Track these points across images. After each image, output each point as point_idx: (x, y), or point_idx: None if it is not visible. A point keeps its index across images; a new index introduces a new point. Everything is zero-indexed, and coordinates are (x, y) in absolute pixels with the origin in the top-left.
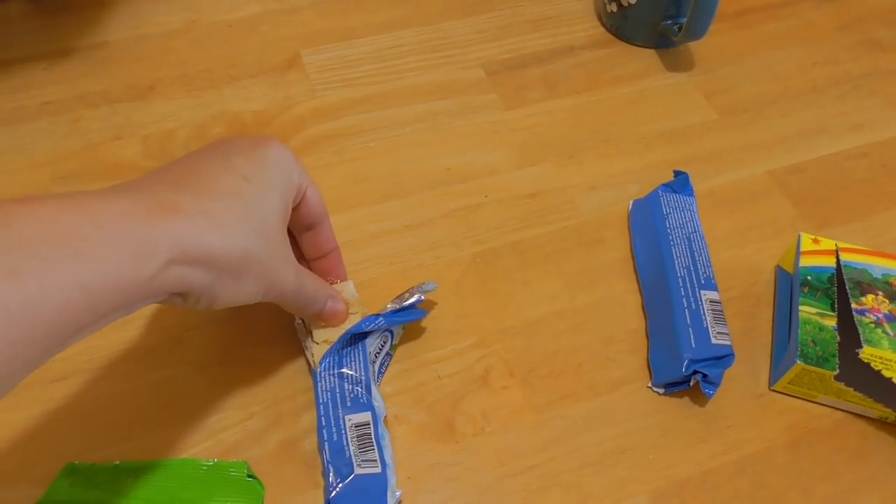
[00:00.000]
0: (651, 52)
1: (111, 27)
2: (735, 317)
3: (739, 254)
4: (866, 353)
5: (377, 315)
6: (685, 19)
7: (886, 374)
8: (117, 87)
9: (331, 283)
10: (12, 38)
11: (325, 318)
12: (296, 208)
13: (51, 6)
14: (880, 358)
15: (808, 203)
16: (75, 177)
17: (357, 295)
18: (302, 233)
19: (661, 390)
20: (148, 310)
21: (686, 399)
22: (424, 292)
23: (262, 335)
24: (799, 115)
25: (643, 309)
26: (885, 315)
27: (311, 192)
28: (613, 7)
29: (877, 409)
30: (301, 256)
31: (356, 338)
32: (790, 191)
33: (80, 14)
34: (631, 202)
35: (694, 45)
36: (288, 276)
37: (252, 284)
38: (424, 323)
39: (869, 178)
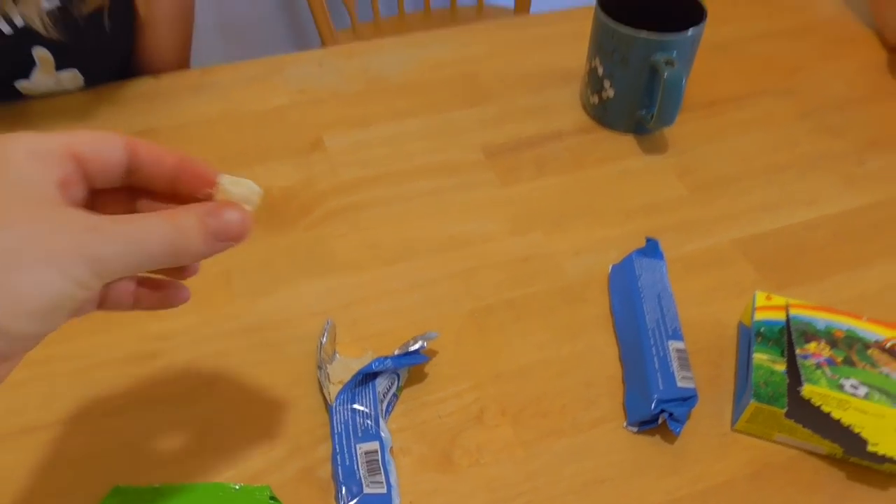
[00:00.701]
0: (630, 137)
1: (157, 116)
2: (702, 366)
3: (706, 311)
4: (807, 390)
5: (385, 357)
6: (656, 109)
7: (825, 409)
8: None
9: (207, 194)
10: (68, 127)
11: (223, 238)
12: (88, 169)
13: (104, 99)
14: (820, 395)
15: (769, 268)
16: None
17: (246, 181)
18: (132, 179)
19: (635, 429)
20: (182, 357)
21: (657, 437)
22: (427, 340)
23: (286, 380)
24: (762, 191)
25: (620, 359)
26: (825, 359)
27: (84, 146)
28: (595, 99)
29: (825, 446)
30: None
31: (367, 378)
32: (752, 257)
33: (130, 105)
34: (610, 266)
35: (668, 131)
36: (91, 237)
37: (45, 269)
38: (427, 369)
39: (822, 246)
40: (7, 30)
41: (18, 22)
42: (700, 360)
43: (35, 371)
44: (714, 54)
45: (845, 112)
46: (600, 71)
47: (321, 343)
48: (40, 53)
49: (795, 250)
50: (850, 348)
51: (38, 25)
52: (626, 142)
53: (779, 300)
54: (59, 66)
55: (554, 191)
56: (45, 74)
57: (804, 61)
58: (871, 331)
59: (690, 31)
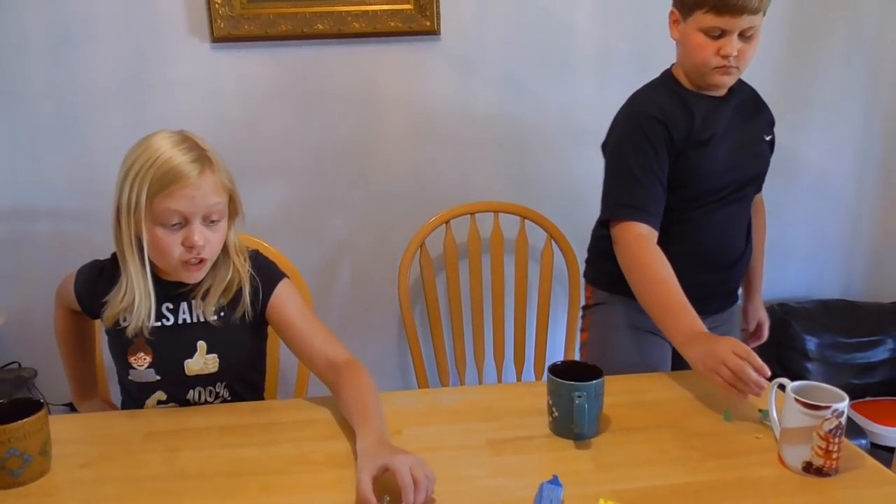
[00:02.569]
0: (570, 442)
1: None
2: None
3: None
4: None
5: None
6: (574, 425)
7: None
8: None
9: None
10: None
11: None
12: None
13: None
14: None
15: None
16: None
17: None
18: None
19: None
20: None
21: None
22: None
23: None
24: (640, 471)
25: None
26: None
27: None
28: (550, 419)
29: None
30: None
31: None
32: (621, 498)
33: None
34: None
35: (595, 441)
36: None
37: None
38: None
39: (663, 496)
40: (190, 320)
41: (194, 318)
42: None
43: None
44: (634, 407)
45: (703, 438)
46: (550, 402)
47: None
48: (200, 343)
49: (649, 498)
50: None
51: (211, 320)
52: (567, 444)
53: (610, 503)
54: (208, 351)
55: (520, 463)
56: (200, 357)
57: (684, 412)
58: None
59: (593, 382)
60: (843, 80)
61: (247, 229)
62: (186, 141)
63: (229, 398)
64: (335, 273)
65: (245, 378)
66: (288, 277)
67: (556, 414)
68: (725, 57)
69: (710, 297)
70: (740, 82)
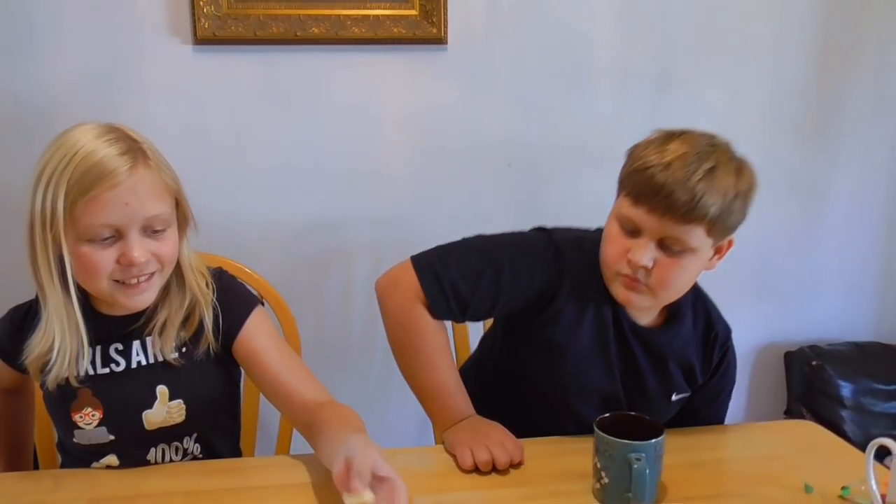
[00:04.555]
0: None
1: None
2: None
3: None
4: None
5: None
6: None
7: None
8: None
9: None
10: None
11: None
12: None
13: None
14: None
15: None
16: None
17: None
18: None
19: None
20: None
21: None
22: None
23: None
24: None
25: None
26: None
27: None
28: (598, 486)
29: None
30: None
31: None
32: None
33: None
34: None
35: None
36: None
37: None
38: None
39: None
40: (146, 362)
41: (150, 359)
42: None
43: None
44: (693, 469)
45: None
46: (599, 465)
47: None
48: (160, 389)
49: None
50: None
51: (171, 359)
52: None
53: None
54: (171, 398)
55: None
56: (161, 405)
57: (752, 476)
58: None
59: (653, 441)
60: (874, 106)
61: (228, 253)
62: (114, 131)
63: (201, 455)
64: (326, 305)
65: (219, 425)
66: (262, 303)
67: (606, 480)
68: (632, 265)
69: None
70: (703, 314)
